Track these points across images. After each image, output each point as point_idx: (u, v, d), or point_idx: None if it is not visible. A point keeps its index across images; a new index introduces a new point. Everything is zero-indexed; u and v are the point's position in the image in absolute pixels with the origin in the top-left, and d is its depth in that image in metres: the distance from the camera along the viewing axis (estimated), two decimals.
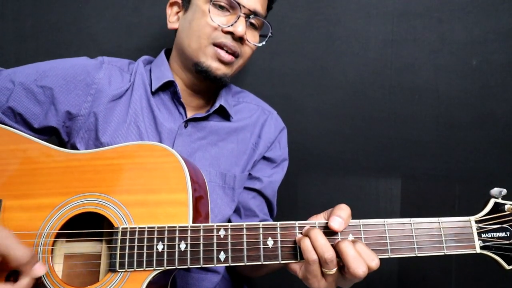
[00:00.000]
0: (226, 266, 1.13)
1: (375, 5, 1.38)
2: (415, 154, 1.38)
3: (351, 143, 1.39)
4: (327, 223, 0.77)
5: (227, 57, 0.99)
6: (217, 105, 1.06)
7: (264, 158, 1.15)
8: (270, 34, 1.08)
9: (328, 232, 0.77)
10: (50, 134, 1.02)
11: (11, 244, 0.71)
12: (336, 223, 0.75)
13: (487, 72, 1.37)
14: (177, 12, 1.08)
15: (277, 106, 1.28)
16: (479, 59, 1.37)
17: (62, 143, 1.02)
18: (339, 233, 0.77)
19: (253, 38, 1.04)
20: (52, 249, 0.84)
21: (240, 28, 0.98)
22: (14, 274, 0.77)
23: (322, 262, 0.73)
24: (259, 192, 1.13)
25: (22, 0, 1.36)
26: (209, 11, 0.98)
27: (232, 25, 0.98)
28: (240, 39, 1.00)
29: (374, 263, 0.71)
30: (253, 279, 1.36)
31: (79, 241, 0.86)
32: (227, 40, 0.99)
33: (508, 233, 0.79)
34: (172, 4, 1.09)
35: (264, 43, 1.07)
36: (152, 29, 1.38)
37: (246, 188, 1.12)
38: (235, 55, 1.01)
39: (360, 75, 1.39)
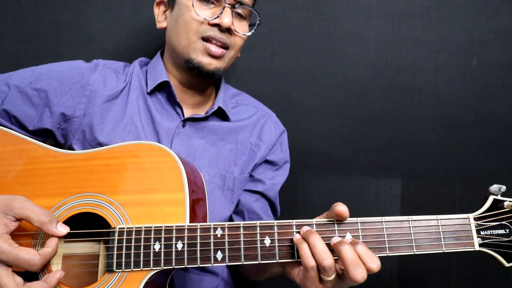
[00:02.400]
0: (229, 269, 1.13)
1: (375, 5, 1.38)
2: (415, 154, 1.38)
3: (351, 143, 1.39)
4: (325, 221, 0.77)
5: (217, 50, 0.98)
6: (215, 107, 1.06)
7: (266, 161, 1.15)
8: (258, 22, 1.07)
9: (327, 230, 0.77)
10: (45, 136, 1.02)
11: (29, 205, 0.76)
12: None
13: (487, 72, 1.37)
14: (164, 11, 1.08)
15: (277, 106, 1.28)
16: (479, 59, 1.37)
17: (59, 146, 1.01)
18: (336, 231, 0.77)
19: (242, 28, 1.03)
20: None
21: (226, 19, 0.97)
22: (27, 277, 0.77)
23: (320, 269, 0.72)
24: (262, 194, 1.13)
25: (22, 0, 1.36)
26: (193, 5, 0.97)
27: (218, 17, 0.97)
28: (228, 30, 0.99)
29: (376, 265, 0.70)
30: (257, 284, 1.36)
31: (77, 242, 0.86)
32: (215, 33, 0.98)
33: (507, 230, 0.78)
34: (158, 4, 1.09)
35: (253, 31, 1.06)
36: (152, 29, 1.37)
37: (248, 191, 1.12)
38: (225, 47, 1.00)
39: (360, 75, 1.39)
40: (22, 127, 1.00)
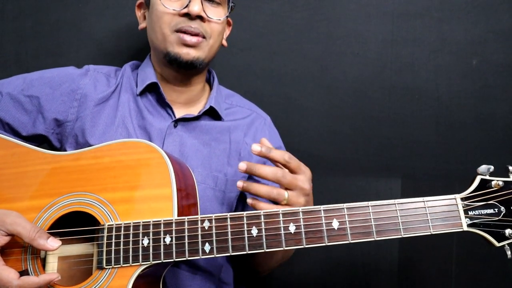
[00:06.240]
0: (230, 271, 1.12)
1: (375, 5, 1.38)
2: (415, 154, 1.38)
3: (351, 143, 1.39)
4: (311, 208, 0.79)
5: (191, 39, 0.98)
6: (207, 107, 1.06)
7: None
8: (232, 4, 1.06)
9: (312, 218, 0.78)
10: (39, 141, 1.03)
11: (21, 221, 0.77)
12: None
13: (487, 72, 1.37)
14: (144, 12, 1.10)
15: (277, 106, 1.28)
16: (479, 59, 1.37)
17: (55, 150, 1.02)
18: (323, 218, 0.78)
19: (215, 14, 1.02)
20: (46, 251, 0.84)
21: (196, 7, 0.96)
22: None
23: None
24: None
25: (22, 0, 1.36)
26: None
27: (186, 6, 0.97)
28: (200, 18, 0.98)
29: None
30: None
31: (72, 242, 0.87)
32: (187, 23, 0.98)
33: (496, 209, 0.77)
34: (139, 6, 1.11)
35: (227, 15, 1.05)
36: None
37: None
38: (200, 35, 0.99)
39: (360, 75, 1.39)
40: (15, 134, 1.01)
